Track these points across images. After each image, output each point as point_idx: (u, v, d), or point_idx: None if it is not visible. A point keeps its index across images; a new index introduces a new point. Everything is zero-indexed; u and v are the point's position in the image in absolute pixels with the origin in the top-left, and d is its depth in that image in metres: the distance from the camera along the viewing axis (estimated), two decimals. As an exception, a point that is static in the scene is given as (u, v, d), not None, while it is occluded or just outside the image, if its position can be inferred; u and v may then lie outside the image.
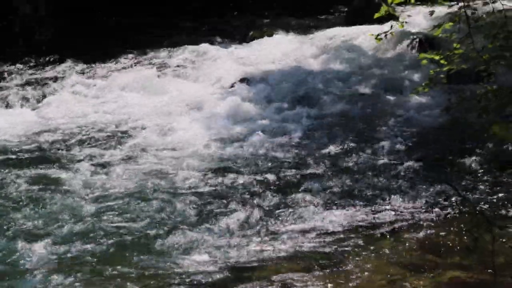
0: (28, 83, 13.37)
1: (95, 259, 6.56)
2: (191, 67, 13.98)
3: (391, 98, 11.55)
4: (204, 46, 15.25)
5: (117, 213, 7.52)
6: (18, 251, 6.70)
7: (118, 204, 7.75)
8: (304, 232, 7.05)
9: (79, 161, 9.26)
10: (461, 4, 5.90)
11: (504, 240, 6.15)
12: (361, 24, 15.91)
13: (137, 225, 7.24)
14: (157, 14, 18.52)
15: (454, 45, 5.64)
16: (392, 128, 10.17)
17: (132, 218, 7.41)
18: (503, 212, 7.20)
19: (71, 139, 10.24)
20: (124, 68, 14.21)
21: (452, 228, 6.92)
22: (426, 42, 13.82)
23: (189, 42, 15.63)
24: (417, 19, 15.05)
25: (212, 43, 16.01)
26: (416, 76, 12.12)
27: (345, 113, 11.01)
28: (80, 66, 14.28)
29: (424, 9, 15.55)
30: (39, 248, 6.73)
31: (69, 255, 6.65)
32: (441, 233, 6.86)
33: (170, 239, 6.88)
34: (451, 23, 5.78)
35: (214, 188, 8.23)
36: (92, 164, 9.11)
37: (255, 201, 7.77)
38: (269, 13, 19.43)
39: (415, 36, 14.22)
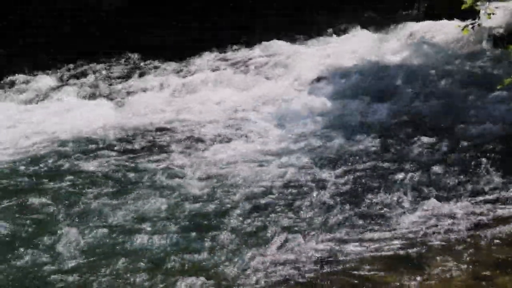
0: (117, 77, 13.80)
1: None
2: (270, 64, 14.04)
3: (473, 93, 11.32)
4: (281, 43, 15.29)
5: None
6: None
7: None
8: (388, 234, 7.01)
9: (167, 152, 9.69)
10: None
11: None
12: (441, 19, 15.71)
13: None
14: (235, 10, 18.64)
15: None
16: (477, 124, 10.00)
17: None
18: None
19: (156, 136, 10.51)
20: (202, 66, 14.34)
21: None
22: (508, 37, 13.56)
23: (265, 38, 15.68)
24: (501, 14, 14.73)
25: (291, 39, 16.05)
26: (499, 71, 11.87)
27: (426, 110, 10.90)
28: (160, 63, 14.54)
29: (506, 5, 15.22)
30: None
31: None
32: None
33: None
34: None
35: (292, 186, 8.34)
36: (178, 154, 9.57)
37: (335, 199, 7.77)
38: (347, 8, 19.31)
39: (496, 31, 13.96)
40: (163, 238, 7.03)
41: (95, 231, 7.22)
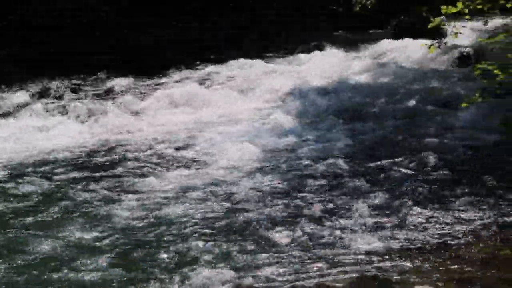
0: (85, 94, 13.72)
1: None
2: (238, 81, 14.05)
3: (441, 112, 11.39)
4: (250, 60, 15.35)
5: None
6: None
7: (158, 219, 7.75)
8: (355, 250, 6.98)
9: (119, 173, 9.34)
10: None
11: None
12: (409, 38, 15.88)
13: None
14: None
15: (509, 55, 5.58)
16: (443, 143, 9.97)
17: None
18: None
19: (118, 153, 10.28)
20: (169, 82, 14.37)
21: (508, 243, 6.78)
22: (475, 55, 13.73)
23: (235, 56, 15.73)
24: (467, 33, 14.90)
25: (262, 57, 16.11)
26: (466, 89, 11.90)
27: (393, 128, 10.86)
28: (127, 80, 14.50)
29: (473, 24, 15.40)
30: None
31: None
32: (497, 248, 6.70)
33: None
34: (505, 34, 5.72)
35: (253, 202, 8.16)
36: (136, 175, 9.19)
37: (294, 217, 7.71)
38: (319, 27, 19.47)
39: (464, 49, 14.11)
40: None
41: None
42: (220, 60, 15.82)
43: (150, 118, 12.16)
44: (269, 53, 16.87)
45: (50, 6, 18.86)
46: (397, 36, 16.90)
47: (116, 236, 7.19)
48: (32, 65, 15.46)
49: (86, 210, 7.95)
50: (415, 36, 15.83)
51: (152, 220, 7.64)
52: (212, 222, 7.52)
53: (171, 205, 8.02)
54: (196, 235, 7.16)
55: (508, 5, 5.72)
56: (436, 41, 5.66)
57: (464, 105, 5.87)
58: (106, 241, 7.07)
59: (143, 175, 9.19)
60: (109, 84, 14.38)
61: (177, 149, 10.37)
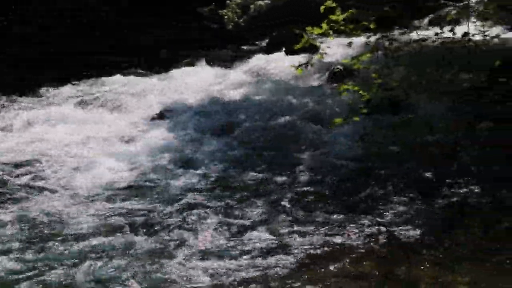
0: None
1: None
2: (110, 99, 13.78)
3: (309, 128, 11.57)
4: (126, 77, 15.13)
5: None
6: None
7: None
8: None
9: None
10: (378, 35, 6.02)
11: (421, 266, 6.21)
12: (282, 53, 16.12)
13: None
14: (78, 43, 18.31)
15: (373, 75, 5.75)
16: (309, 159, 10.15)
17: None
18: (420, 238, 7.26)
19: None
20: (42, 101, 13.91)
21: (369, 255, 6.94)
22: (344, 72, 14.06)
23: (109, 73, 15.49)
24: (337, 50, 15.27)
25: (135, 73, 15.92)
26: (334, 106, 12.19)
27: (264, 144, 10.97)
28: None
29: (342, 40, 15.81)
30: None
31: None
32: (358, 262, 6.85)
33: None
34: (368, 54, 5.89)
35: (127, 222, 8.01)
36: None
37: (172, 235, 7.63)
38: (191, 42, 19.47)
39: (334, 67, 14.44)
40: None
41: None
42: (88, 76, 15.52)
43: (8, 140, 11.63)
44: (142, 70, 16.71)
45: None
46: (270, 52, 17.12)
47: None
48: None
49: None
50: (287, 53, 16.11)
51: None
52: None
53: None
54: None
55: (371, 26, 5.90)
56: (304, 63, 5.76)
57: (337, 122, 5.98)
58: None
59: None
60: None
61: (29, 172, 9.89)
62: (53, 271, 6.77)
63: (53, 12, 18.48)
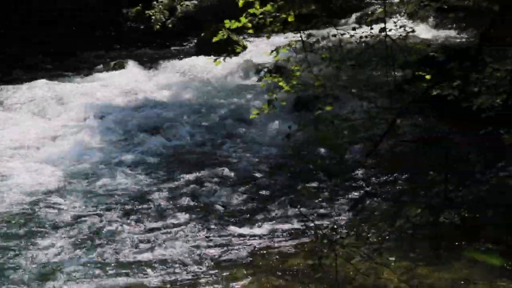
0: None
1: None
2: (39, 103, 13.43)
3: (238, 125, 11.78)
4: (53, 80, 14.88)
5: None
6: None
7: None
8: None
9: None
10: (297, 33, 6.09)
11: (345, 258, 6.31)
12: (209, 54, 16.10)
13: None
14: None
15: (291, 67, 5.82)
16: (239, 156, 10.34)
17: None
18: (344, 231, 7.43)
19: None
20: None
21: (296, 249, 7.04)
22: (273, 70, 14.15)
23: (35, 77, 15.18)
24: (262, 48, 15.35)
25: (60, 76, 15.68)
26: (259, 101, 12.33)
27: (194, 143, 11.08)
28: None
29: (272, 41, 15.85)
30: None
31: None
32: (287, 256, 6.98)
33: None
34: (287, 47, 5.96)
35: (60, 224, 7.97)
36: None
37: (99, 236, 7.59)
38: (119, 45, 19.33)
39: (262, 65, 14.53)
40: None
41: None
42: (10, 81, 15.20)
43: None
44: (66, 72, 16.48)
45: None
46: (198, 52, 17.11)
47: None
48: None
49: None
50: (215, 52, 16.11)
51: None
52: None
53: None
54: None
55: (290, 19, 5.97)
56: (223, 56, 5.82)
57: (252, 116, 6.06)
58: None
59: None
60: None
61: None
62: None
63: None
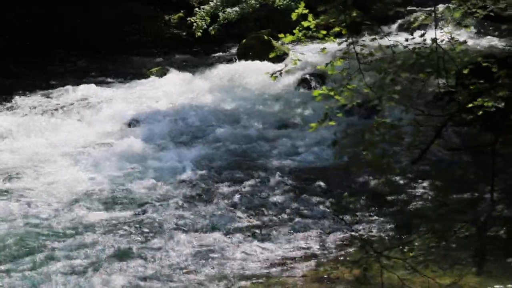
0: None
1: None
2: (82, 108, 13.65)
3: (281, 132, 11.76)
4: (96, 86, 15.06)
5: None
6: None
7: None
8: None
9: None
10: (350, 40, 6.08)
11: (391, 269, 6.29)
12: (252, 60, 16.16)
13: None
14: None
15: (345, 81, 5.83)
16: (282, 165, 10.27)
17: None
18: (390, 243, 7.37)
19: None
20: (8, 111, 13.79)
21: (342, 260, 7.04)
22: (318, 78, 14.15)
23: (79, 82, 15.39)
24: (309, 55, 15.33)
25: (104, 82, 15.85)
26: (307, 112, 12.35)
27: (237, 151, 11.04)
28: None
29: (313, 46, 15.85)
30: None
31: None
32: (331, 266, 6.95)
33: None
34: (341, 60, 5.99)
35: (101, 232, 8.00)
36: None
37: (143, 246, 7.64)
38: (161, 51, 19.47)
39: (306, 72, 14.50)
40: None
41: None
42: (54, 86, 15.41)
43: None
44: (109, 77, 16.65)
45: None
46: (240, 59, 17.13)
47: None
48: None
49: None
50: (257, 59, 16.16)
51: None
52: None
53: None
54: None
55: (343, 32, 6.00)
56: (278, 70, 5.84)
57: (310, 130, 6.05)
58: None
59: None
60: None
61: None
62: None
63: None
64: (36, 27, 19.15)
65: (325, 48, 6.18)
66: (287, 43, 16.68)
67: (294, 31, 6.16)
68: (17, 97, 14.46)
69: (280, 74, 5.89)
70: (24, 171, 10.15)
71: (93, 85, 15.00)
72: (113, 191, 9.33)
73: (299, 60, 6.42)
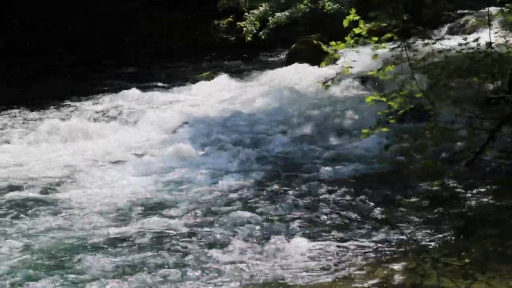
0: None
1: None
2: (133, 112, 13.82)
3: (334, 139, 11.67)
4: (146, 90, 15.21)
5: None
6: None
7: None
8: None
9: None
10: (402, 45, 6.05)
11: (448, 277, 6.21)
12: (302, 64, 16.15)
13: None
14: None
15: (398, 86, 5.80)
16: (335, 169, 10.18)
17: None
18: (447, 249, 7.26)
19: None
20: (60, 115, 14.04)
21: (398, 267, 6.95)
22: (369, 82, 14.07)
23: (127, 87, 15.58)
24: (360, 61, 15.21)
25: (154, 87, 15.99)
26: (359, 117, 12.25)
27: (288, 156, 11.02)
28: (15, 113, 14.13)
29: (363, 50, 15.71)
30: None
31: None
32: (387, 272, 6.86)
33: None
34: (393, 65, 5.95)
35: (153, 236, 8.01)
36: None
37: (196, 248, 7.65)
38: (210, 56, 19.58)
39: (358, 77, 14.42)
40: None
41: None
42: (104, 91, 15.60)
43: (28, 153, 11.69)
44: (158, 82, 16.80)
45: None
46: (290, 63, 17.13)
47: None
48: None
49: None
50: (307, 63, 16.13)
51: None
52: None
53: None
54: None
55: (395, 37, 5.96)
56: (330, 79, 5.85)
57: (362, 137, 6.03)
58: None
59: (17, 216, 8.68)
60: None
61: (55, 186, 9.88)
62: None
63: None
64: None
65: (377, 54, 6.13)
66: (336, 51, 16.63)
67: (345, 38, 6.14)
68: (65, 101, 14.72)
69: (332, 82, 5.88)
70: (74, 177, 10.22)
71: (140, 90, 15.15)
72: (161, 198, 9.28)
73: (350, 67, 6.38)
